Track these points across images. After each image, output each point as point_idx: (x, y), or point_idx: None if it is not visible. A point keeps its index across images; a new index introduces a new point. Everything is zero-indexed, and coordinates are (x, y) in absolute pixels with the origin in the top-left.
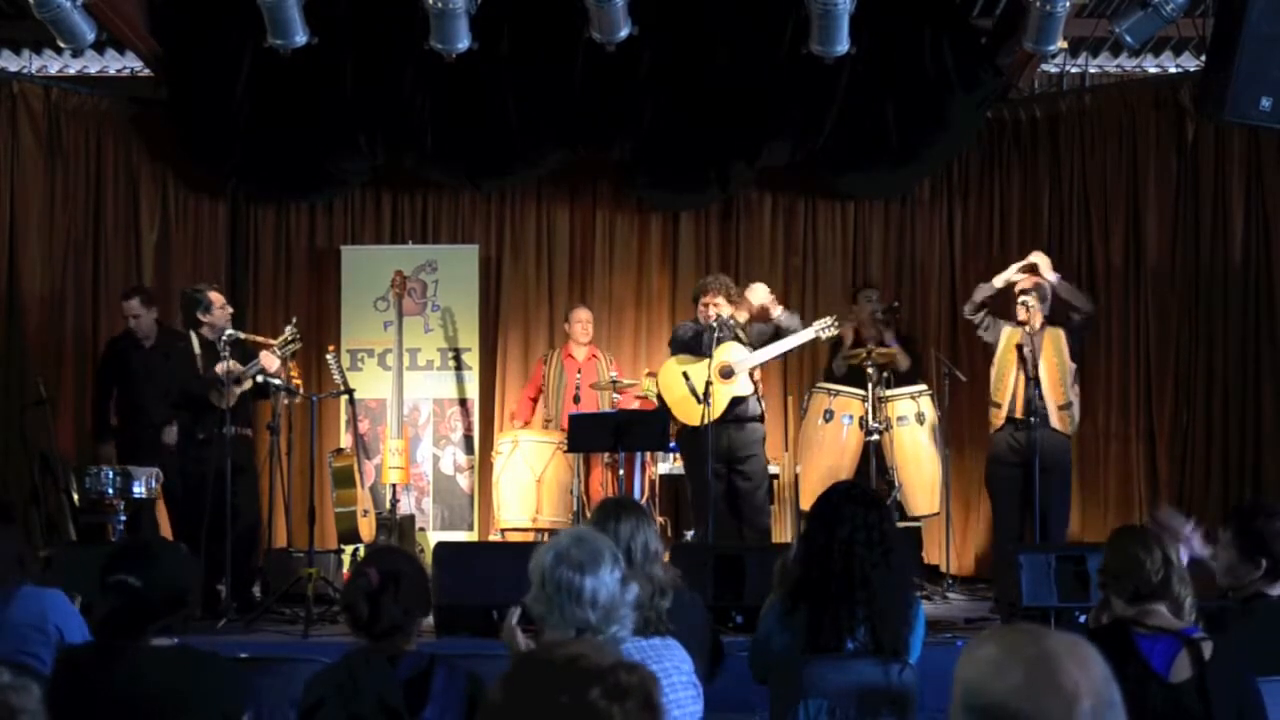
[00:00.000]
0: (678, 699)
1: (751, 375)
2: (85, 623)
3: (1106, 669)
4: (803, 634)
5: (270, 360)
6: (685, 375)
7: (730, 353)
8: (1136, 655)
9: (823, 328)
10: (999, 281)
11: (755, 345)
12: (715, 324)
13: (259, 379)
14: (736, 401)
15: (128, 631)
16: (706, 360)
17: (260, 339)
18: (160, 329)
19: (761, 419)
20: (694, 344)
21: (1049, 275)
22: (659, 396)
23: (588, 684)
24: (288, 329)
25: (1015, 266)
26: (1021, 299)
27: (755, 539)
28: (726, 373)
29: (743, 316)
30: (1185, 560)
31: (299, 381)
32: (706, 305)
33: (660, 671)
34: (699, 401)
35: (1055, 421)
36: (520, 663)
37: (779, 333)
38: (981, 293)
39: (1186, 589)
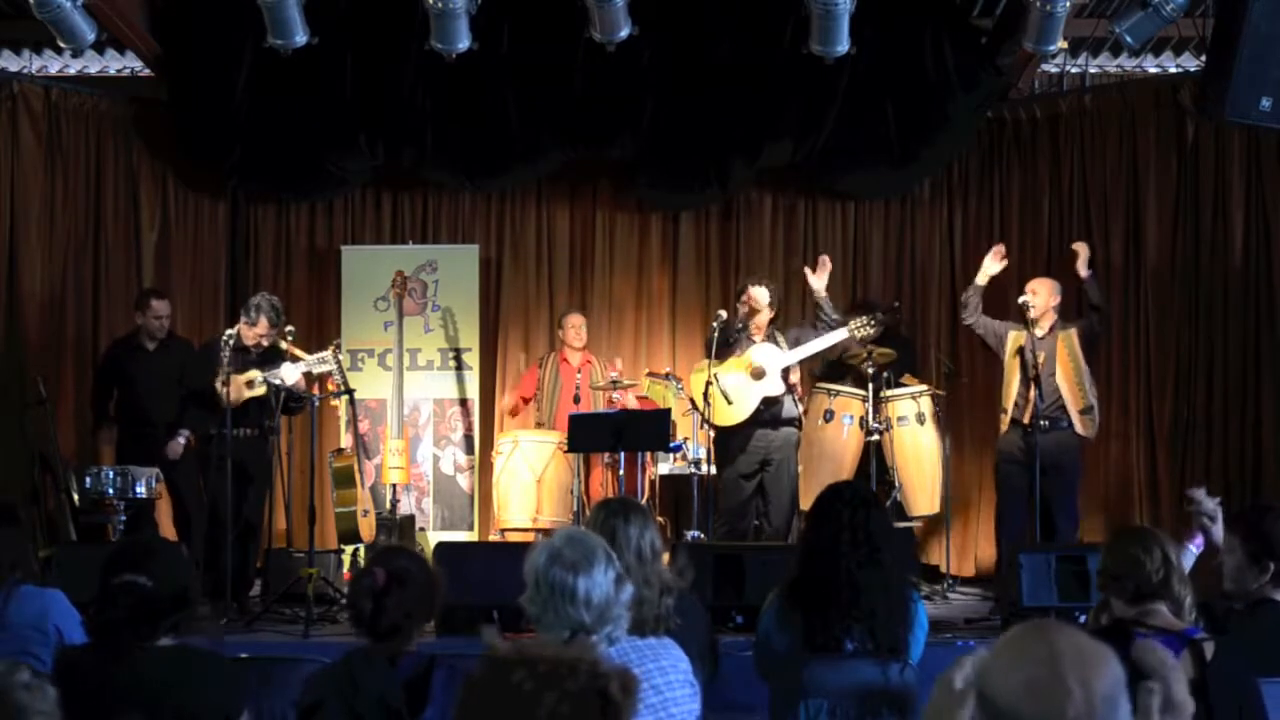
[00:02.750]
0: (674, 697)
1: (787, 377)
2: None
3: (1115, 688)
4: (799, 634)
5: (290, 373)
6: (715, 377)
7: (762, 353)
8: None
9: (858, 327)
10: (982, 279)
11: (790, 346)
12: (722, 324)
13: (275, 383)
14: (769, 402)
15: (140, 632)
16: (732, 360)
17: (295, 351)
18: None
19: (797, 422)
20: (721, 344)
21: (1084, 270)
22: (690, 398)
23: (511, 669)
24: (326, 351)
25: (990, 257)
26: (1022, 301)
27: (776, 539)
28: (758, 374)
29: (765, 317)
30: (1217, 539)
31: (335, 404)
32: (743, 302)
33: (656, 670)
34: (728, 402)
35: (1078, 426)
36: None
37: (817, 324)
38: (972, 296)
39: (1187, 589)
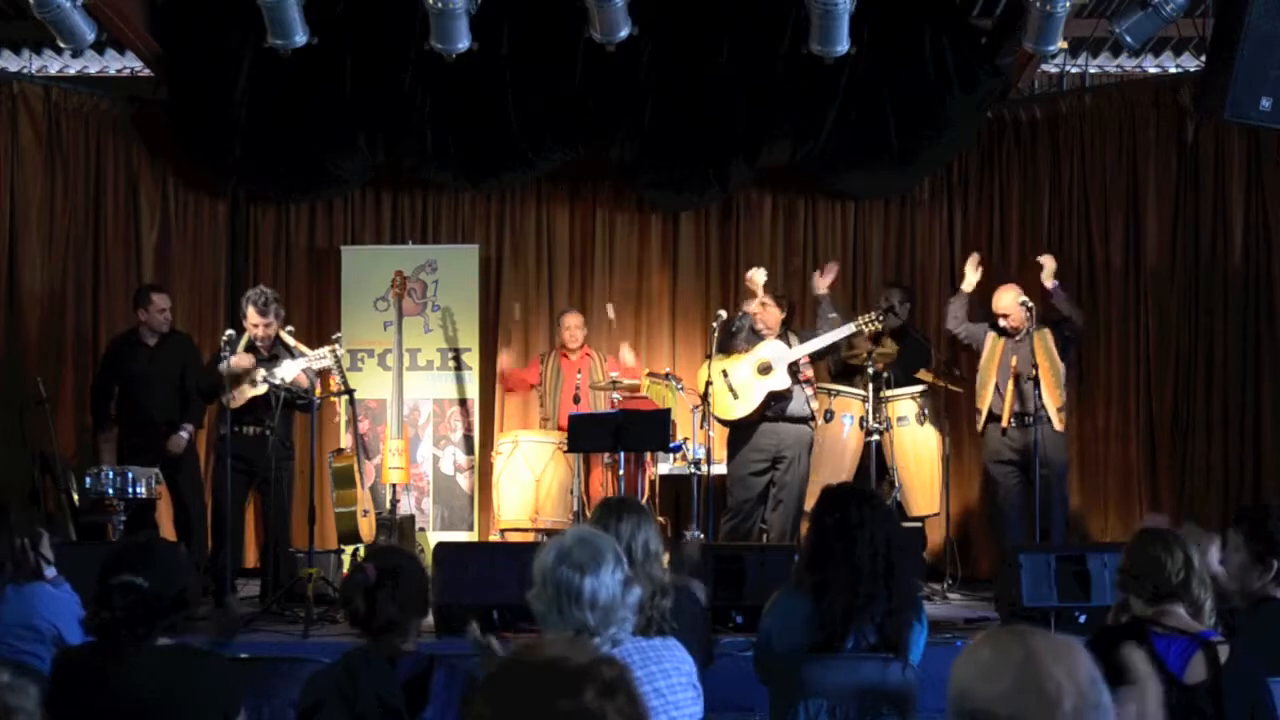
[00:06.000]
0: (676, 700)
1: (797, 373)
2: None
3: (1095, 671)
4: (805, 633)
5: (289, 370)
6: (724, 373)
7: (769, 349)
8: (1152, 655)
9: (865, 321)
10: (968, 286)
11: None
12: (723, 323)
13: (275, 382)
14: (776, 398)
15: (137, 633)
16: (742, 356)
17: (303, 348)
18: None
19: (810, 421)
20: (727, 340)
21: (1049, 281)
22: (698, 391)
23: (581, 686)
24: (324, 348)
25: (971, 264)
26: (1021, 301)
27: (781, 541)
28: (765, 369)
29: (755, 307)
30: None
31: (335, 401)
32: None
33: (660, 672)
34: (734, 396)
35: (1056, 423)
36: (503, 670)
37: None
38: (958, 305)
39: (1207, 592)
